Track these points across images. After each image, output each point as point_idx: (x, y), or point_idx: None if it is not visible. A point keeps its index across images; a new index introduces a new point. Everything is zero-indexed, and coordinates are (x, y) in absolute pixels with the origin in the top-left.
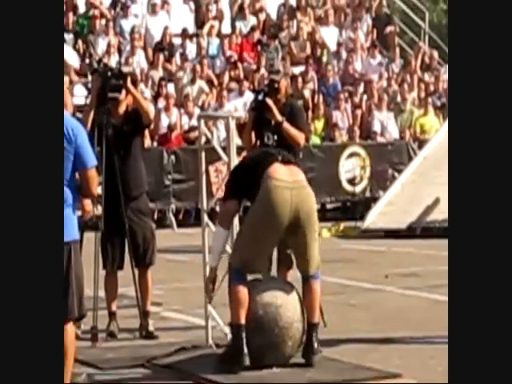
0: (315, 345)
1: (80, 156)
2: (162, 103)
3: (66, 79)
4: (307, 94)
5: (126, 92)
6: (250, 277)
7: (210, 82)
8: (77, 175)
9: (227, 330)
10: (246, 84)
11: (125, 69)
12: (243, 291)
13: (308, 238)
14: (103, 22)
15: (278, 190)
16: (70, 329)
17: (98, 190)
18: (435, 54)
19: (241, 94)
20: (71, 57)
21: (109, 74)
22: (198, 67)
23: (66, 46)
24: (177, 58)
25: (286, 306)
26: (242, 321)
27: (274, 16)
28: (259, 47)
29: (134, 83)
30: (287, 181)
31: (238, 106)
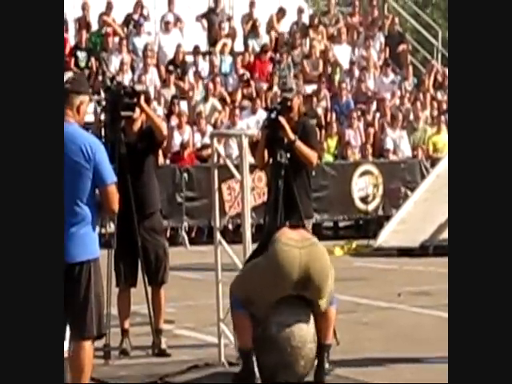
0: (326, 365)
1: (99, 173)
2: (174, 121)
3: (87, 98)
4: (320, 112)
5: (140, 110)
6: None
7: (222, 100)
8: (97, 192)
9: None
10: (258, 102)
11: (138, 87)
12: (245, 317)
13: (323, 291)
14: (116, 39)
15: (286, 249)
16: (88, 348)
17: None
18: (444, 72)
19: (253, 111)
20: None
21: (122, 92)
22: (211, 85)
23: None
24: (189, 76)
25: (300, 325)
26: (249, 345)
27: (286, 34)
28: (272, 65)
29: (147, 101)
30: (295, 239)
31: (251, 123)
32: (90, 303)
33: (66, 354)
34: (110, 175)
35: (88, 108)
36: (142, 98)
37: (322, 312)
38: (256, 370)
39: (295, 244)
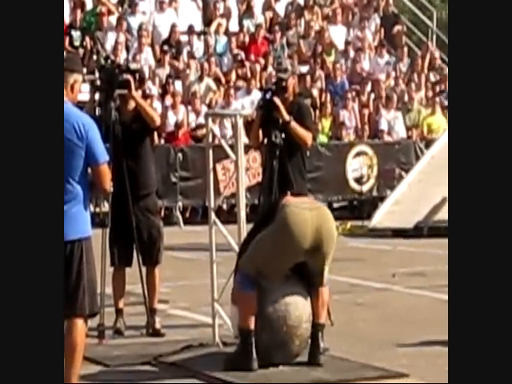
0: (321, 344)
1: (92, 152)
2: (169, 101)
3: (80, 77)
4: (315, 92)
5: (131, 96)
6: None
7: (217, 80)
8: (89, 171)
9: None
10: (253, 82)
11: (132, 65)
12: (254, 298)
13: (328, 258)
14: (111, 18)
15: (297, 212)
16: (80, 326)
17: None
18: (438, 54)
19: (248, 92)
20: None
21: (116, 70)
22: (206, 65)
23: None
24: (184, 56)
25: (296, 305)
26: (252, 326)
27: (281, 14)
28: (267, 45)
29: (142, 80)
30: (304, 202)
31: (246, 104)
32: (82, 281)
33: None
34: (103, 154)
35: (82, 87)
36: (133, 90)
37: (319, 288)
38: (254, 351)
39: (305, 206)
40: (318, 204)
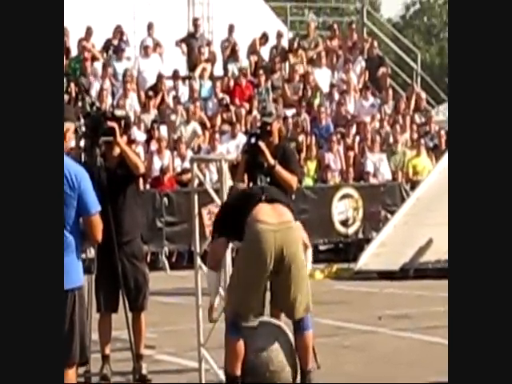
0: None
1: (84, 202)
2: (154, 146)
3: (72, 126)
4: (300, 136)
5: (116, 143)
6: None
7: (202, 125)
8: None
9: (221, 372)
10: (238, 126)
11: (118, 112)
12: (239, 344)
13: (293, 281)
14: (96, 64)
15: (262, 233)
16: (71, 374)
17: None
18: (424, 95)
19: (233, 136)
20: None
21: (101, 118)
22: (191, 109)
23: None
24: (169, 101)
25: (278, 351)
26: (238, 372)
27: (266, 58)
28: (251, 89)
29: (128, 126)
30: (271, 223)
31: (231, 148)
32: (74, 331)
33: None
34: (95, 204)
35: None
36: (118, 133)
37: (302, 333)
38: None
39: (271, 228)
40: (286, 224)
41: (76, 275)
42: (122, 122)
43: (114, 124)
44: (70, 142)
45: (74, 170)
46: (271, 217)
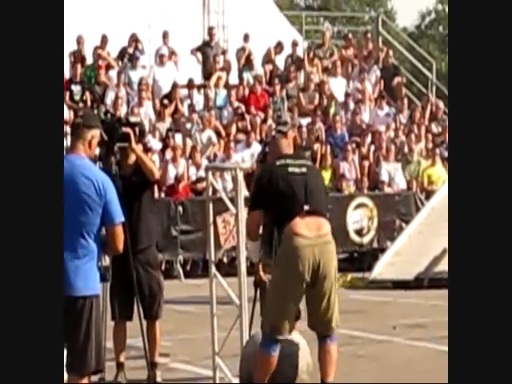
0: None
1: (109, 211)
2: (169, 154)
3: (98, 133)
4: (316, 146)
5: (132, 151)
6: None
7: (217, 133)
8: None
9: (235, 381)
10: (253, 135)
11: (132, 118)
12: (273, 358)
13: (328, 295)
14: (111, 73)
15: (300, 247)
16: (85, 382)
17: None
18: (441, 104)
19: (248, 145)
20: None
21: (116, 124)
22: (206, 118)
23: None
24: (184, 109)
25: (297, 354)
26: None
27: (281, 67)
28: (266, 98)
29: (142, 134)
30: (309, 237)
31: (246, 157)
32: (90, 339)
33: None
34: (119, 214)
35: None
36: (133, 142)
37: (327, 344)
38: None
39: (309, 242)
40: (324, 238)
41: (94, 283)
42: (137, 129)
43: (128, 130)
44: (95, 149)
45: (100, 178)
46: (309, 229)
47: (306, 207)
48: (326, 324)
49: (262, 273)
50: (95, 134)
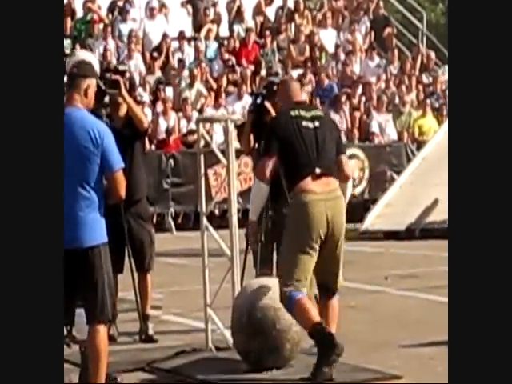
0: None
1: (107, 159)
2: (159, 107)
3: (94, 82)
4: (305, 96)
5: (121, 98)
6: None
7: (208, 86)
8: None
9: (227, 332)
10: (244, 87)
11: (121, 67)
12: (305, 299)
13: (338, 252)
14: (101, 26)
15: (312, 202)
16: (103, 331)
17: None
18: (432, 54)
19: (239, 97)
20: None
21: (106, 74)
22: (196, 71)
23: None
24: (175, 62)
25: (284, 309)
26: (318, 319)
27: (272, 19)
28: (257, 50)
29: (133, 86)
30: (319, 192)
31: (237, 109)
32: (104, 287)
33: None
34: (118, 161)
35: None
36: (123, 87)
37: (330, 299)
38: (334, 337)
39: (320, 197)
40: (335, 192)
41: (100, 231)
42: (127, 79)
43: (118, 77)
44: (92, 99)
45: (96, 126)
46: (318, 185)
47: (318, 170)
48: (335, 279)
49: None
50: (91, 83)
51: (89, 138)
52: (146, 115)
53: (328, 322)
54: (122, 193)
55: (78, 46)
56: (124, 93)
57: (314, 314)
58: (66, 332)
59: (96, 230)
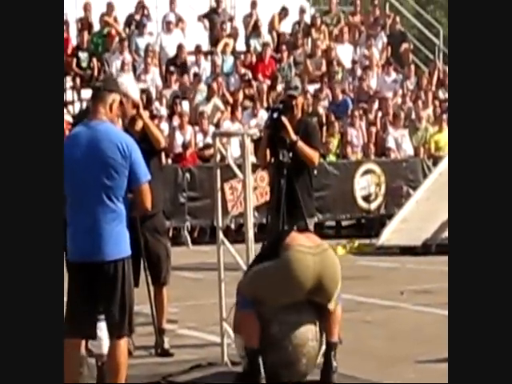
0: (334, 363)
1: (135, 171)
2: (176, 121)
3: (118, 98)
4: (321, 111)
5: (139, 115)
6: None
7: (224, 100)
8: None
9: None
10: (258, 105)
11: (139, 86)
12: (253, 316)
13: (331, 297)
14: (118, 40)
15: (299, 257)
16: (123, 345)
17: None
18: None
19: (255, 114)
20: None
21: None
22: (213, 85)
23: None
24: (191, 76)
25: (301, 323)
26: (256, 345)
27: (288, 34)
28: (274, 65)
29: (149, 101)
30: (308, 246)
31: (252, 124)
32: (126, 301)
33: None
34: (145, 173)
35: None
36: (140, 105)
37: (329, 312)
38: (261, 369)
39: (308, 250)
40: (322, 246)
41: (126, 244)
42: (144, 96)
43: (138, 100)
44: (116, 113)
45: (125, 139)
46: (306, 241)
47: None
48: (327, 306)
49: None
50: (116, 97)
51: (117, 151)
52: (162, 132)
53: (326, 325)
54: (148, 205)
55: (94, 60)
56: (142, 113)
57: (257, 336)
58: (83, 346)
59: (121, 244)
